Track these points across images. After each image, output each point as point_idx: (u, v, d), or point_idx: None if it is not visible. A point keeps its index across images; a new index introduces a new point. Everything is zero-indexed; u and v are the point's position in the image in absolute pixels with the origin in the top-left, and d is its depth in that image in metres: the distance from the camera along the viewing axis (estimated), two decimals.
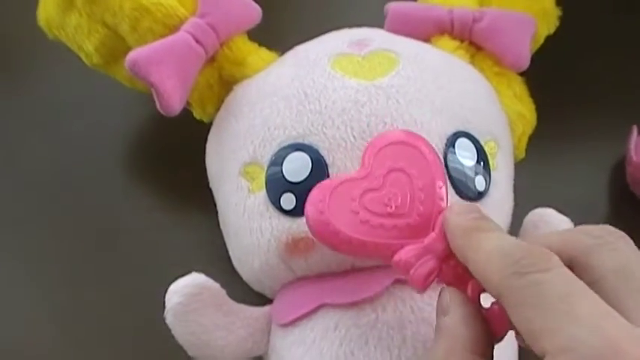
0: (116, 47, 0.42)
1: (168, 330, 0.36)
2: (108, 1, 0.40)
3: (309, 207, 0.32)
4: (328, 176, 0.35)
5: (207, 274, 0.37)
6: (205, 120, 0.42)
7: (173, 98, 0.38)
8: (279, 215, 0.36)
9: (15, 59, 0.55)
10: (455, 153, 0.36)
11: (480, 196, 0.37)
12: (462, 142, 0.37)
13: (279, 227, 0.36)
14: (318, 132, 0.36)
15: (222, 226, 0.40)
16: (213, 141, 0.40)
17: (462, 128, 0.37)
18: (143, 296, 0.42)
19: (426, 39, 0.42)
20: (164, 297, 0.36)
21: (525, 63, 0.42)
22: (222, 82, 0.41)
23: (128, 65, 0.38)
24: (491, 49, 0.42)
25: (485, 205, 0.37)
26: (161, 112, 0.38)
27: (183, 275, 0.36)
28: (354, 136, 0.36)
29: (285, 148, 0.36)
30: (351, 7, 0.54)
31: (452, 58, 0.41)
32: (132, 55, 0.38)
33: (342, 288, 0.35)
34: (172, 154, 0.49)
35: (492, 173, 0.38)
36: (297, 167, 0.36)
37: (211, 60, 0.40)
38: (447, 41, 0.42)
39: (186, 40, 0.39)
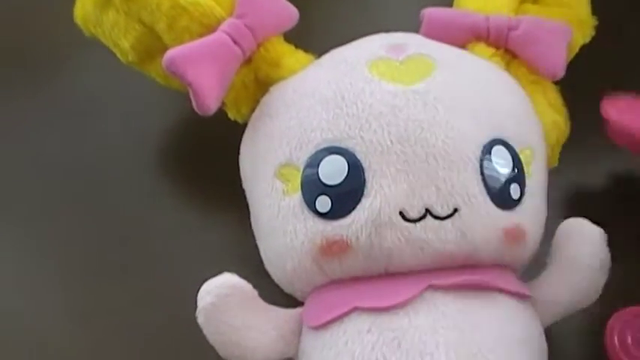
0: (152, 45, 0.42)
1: (198, 329, 0.36)
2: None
3: None
4: (364, 180, 0.35)
5: (238, 274, 0.37)
6: (240, 120, 0.42)
7: (209, 97, 0.38)
8: (314, 217, 0.36)
9: (44, 56, 0.55)
10: (491, 160, 0.36)
11: (515, 203, 0.37)
12: (498, 149, 0.37)
13: (313, 229, 0.36)
14: (354, 135, 0.36)
15: (254, 227, 0.40)
16: (248, 142, 0.40)
17: (498, 136, 0.37)
18: (172, 295, 0.42)
19: (462, 45, 0.42)
20: (193, 296, 0.36)
21: (561, 72, 0.42)
22: (258, 82, 0.41)
23: (165, 63, 0.38)
24: (527, 57, 0.42)
25: (521, 214, 0.37)
26: (197, 111, 0.38)
27: (212, 275, 0.36)
28: (391, 141, 0.36)
29: (321, 150, 0.36)
30: (386, 12, 0.54)
31: (488, 65, 0.41)
32: (170, 53, 0.38)
33: (375, 292, 0.35)
34: (204, 153, 0.49)
35: (527, 181, 0.38)
36: (333, 170, 0.36)
37: (248, 61, 0.40)
38: (482, 48, 0.42)
39: (224, 40, 0.39)
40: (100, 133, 0.51)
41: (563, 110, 0.43)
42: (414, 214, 0.35)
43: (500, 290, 0.36)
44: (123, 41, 0.43)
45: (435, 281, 0.35)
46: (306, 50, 0.42)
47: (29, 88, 0.53)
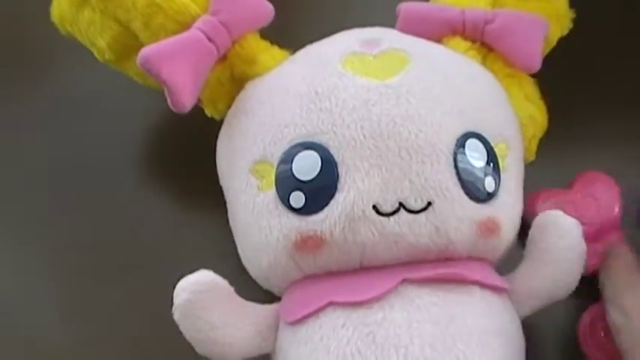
0: (128, 44, 0.42)
1: (176, 327, 0.36)
2: None
3: None
4: (338, 175, 0.35)
5: (217, 271, 0.37)
6: (217, 117, 0.42)
7: (184, 95, 0.38)
8: (288, 213, 0.36)
9: (30, 56, 0.55)
10: (465, 154, 0.36)
11: (489, 197, 0.37)
12: (472, 142, 0.37)
13: (288, 225, 0.36)
14: (328, 130, 0.36)
15: (231, 224, 0.40)
16: (224, 138, 0.41)
17: (472, 129, 0.37)
18: (151, 293, 0.42)
19: (438, 39, 0.42)
20: (172, 294, 0.36)
21: (537, 65, 0.42)
22: (234, 79, 0.41)
23: (140, 61, 0.37)
24: (503, 50, 0.42)
25: (495, 207, 0.37)
26: (172, 108, 0.38)
27: (191, 272, 0.36)
28: (364, 135, 0.36)
29: (295, 146, 0.36)
30: (362, 7, 0.53)
31: (463, 59, 0.41)
32: (144, 51, 0.38)
33: (350, 286, 0.36)
34: (184, 150, 0.49)
35: (502, 175, 0.38)
36: (306, 165, 0.36)
37: (223, 58, 0.40)
38: (458, 42, 0.42)
39: (198, 37, 0.39)
40: (83, 132, 0.51)
41: (541, 104, 0.44)
42: (387, 208, 0.35)
43: (476, 283, 0.36)
44: (99, 40, 0.43)
45: (410, 275, 0.35)
46: (284, 47, 0.42)
47: (17, 88, 0.54)
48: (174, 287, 0.36)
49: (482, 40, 0.42)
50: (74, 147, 0.51)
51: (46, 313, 0.46)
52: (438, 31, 0.42)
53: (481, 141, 0.37)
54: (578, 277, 0.38)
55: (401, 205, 0.35)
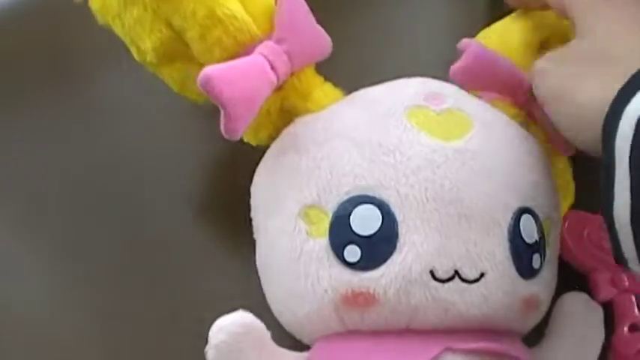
0: (175, 50, 0.39)
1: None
2: (180, 3, 0.38)
3: None
4: (397, 234, 0.34)
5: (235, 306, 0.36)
6: (253, 143, 0.40)
7: (240, 122, 0.36)
8: (341, 266, 0.35)
9: (69, 64, 0.52)
10: (520, 228, 0.36)
11: (534, 273, 0.37)
12: (526, 218, 0.37)
13: (339, 278, 0.35)
14: (390, 187, 0.35)
15: (261, 261, 0.39)
16: (267, 173, 0.39)
17: (527, 204, 0.37)
18: (178, 322, 0.42)
19: (494, 93, 0.41)
20: (198, 326, 0.35)
21: (574, 149, 0.42)
22: (283, 111, 0.39)
23: (201, 81, 0.35)
24: (545, 126, 0.42)
25: (538, 284, 0.37)
26: (224, 134, 0.36)
27: (222, 308, 0.35)
28: (427, 198, 0.35)
29: (354, 197, 0.35)
30: (414, 47, 0.52)
31: (518, 129, 0.40)
32: (207, 71, 0.35)
33: (393, 348, 0.35)
34: (223, 157, 0.47)
35: (547, 251, 0.38)
36: (366, 220, 0.35)
37: (278, 88, 0.38)
38: (507, 105, 0.41)
39: (262, 64, 0.37)
40: (119, 140, 0.49)
41: (569, 184, 0.44)
42: (443, 274, 0.35)
43: (513, 358, 0.36)
44: (145, 41, 0.40)
45: (454, 344, 0.35)
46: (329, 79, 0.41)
47: (64, 91, 0.51)
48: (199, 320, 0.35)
49: (530, 111, 0.42)
50: (113, 154, 0.48)
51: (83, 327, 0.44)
52: (500, 87, 0.41)
53: (534, 217, 0.37)
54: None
55: (456, 272, 0.35)
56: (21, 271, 0.45)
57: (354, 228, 0.35)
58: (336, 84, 0.41)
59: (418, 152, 0.36)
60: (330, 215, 0.35)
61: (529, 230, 0.37)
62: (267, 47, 0.38)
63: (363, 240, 0.35)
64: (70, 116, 0.49)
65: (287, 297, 0.37)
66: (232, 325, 0.34)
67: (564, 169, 0.44)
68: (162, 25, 0.39)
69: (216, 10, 0.37)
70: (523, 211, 0.37)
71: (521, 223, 0.36)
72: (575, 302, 0.40)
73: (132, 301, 0.44)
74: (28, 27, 0.52)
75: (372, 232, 0.35)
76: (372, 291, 0.34)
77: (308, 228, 0.36)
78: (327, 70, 0.41)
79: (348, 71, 0.42)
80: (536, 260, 0.37)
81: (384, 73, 0.41)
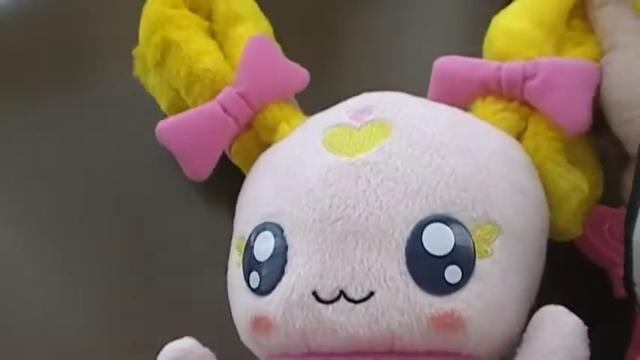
0: (183, 107, 0.44)
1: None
2: (170, 66, 0.43)
3: None
4: (286, 259, 0.35)
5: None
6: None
7: (196, 167, 0.40)
8: (249, 292, 0.36)
9: (76, 58, 0.56)
10: (421, 240, 0.33)
11: (451, 288, 0.33)
12: (433, 228, 0.33)
13: (248, 304, 0.36)
14: (286, 211, 0.35)
15: None
16: None
17: (439, 211, 0.34)
18: (178, 322, 0.44)
19: (472, 99, 0.39)
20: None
21: (582, 125, 0.37)
22: (263, 145, 0.41)
23: (156, 134, 0.41)
24: (545, 110, 0.37)
25: (458, 300, 0.33)
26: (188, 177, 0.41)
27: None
28: (313, 219, 0.34)
29: (260, 225, 0.36)
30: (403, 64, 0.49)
31: (468, 128, 0.36)
32: (159, 124, 0.41)
33: None
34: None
35: (479, 262, 0.34)
36: (263, 247, 0.36)
37: (248, 126, 0.41)
38: (490, 102, 0.38)
39: (213, 110, 0.40)
40: (128, 135, 0.52)
41: (594, 169, 0.38)
42: (326, 295, 0.34)
43: None
44: (162, 101, 0.46)
45: None
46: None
47: (70, 88, 0.55)
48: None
49: (522, 99, 0.38)
50: (121, 149, 0.52)
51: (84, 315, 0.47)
52: (470, 91, 0.39)
53: (449, 225, 0.33)
54: None
55: (342, 292, 0.33)
56: (24, 270, 0.49)
57: (255, 255, 0.36)
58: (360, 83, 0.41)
59: (315, 173, 0.35)
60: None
61: (437, 241, 0.33)
62: (224, 92, 0.41)
63: (261, 266, 0.36)
64: (76, 114, 0.53)
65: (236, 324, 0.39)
66: (170, 352, 0.38)
67: (584, 154, 0.38)
68: (167, 87, 0.45)
69: (193, 68, 0.42)
70: (431, 220, 0.33)
71: (424, 234, 0.33)
72: (546, 312, 0.34)
73: (133, 301, 0.47)
74: (34, 24, 0.56)
75: (266, 257, 0.35)
76: (268, 315, 0.35)
77: (238, 259, 0.38)
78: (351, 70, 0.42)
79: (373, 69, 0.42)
80: (452, 273, 0.33)
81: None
